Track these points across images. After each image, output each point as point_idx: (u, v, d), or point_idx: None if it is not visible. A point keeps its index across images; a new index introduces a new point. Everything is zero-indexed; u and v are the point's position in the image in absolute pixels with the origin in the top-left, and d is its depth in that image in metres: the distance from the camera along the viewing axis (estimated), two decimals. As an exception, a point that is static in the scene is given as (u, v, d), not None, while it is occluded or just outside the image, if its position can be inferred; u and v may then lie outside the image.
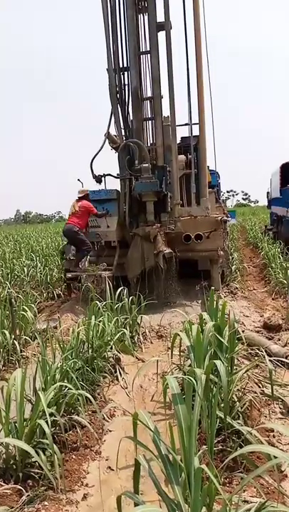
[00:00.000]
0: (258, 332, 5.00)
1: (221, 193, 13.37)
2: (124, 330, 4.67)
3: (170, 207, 7.33)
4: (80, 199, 7.30)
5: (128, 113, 7.71)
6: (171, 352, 3.67)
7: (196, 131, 7.75)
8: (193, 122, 7.74)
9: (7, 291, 6.58)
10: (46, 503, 2.30)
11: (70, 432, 2.92)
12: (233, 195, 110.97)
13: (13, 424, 2.64)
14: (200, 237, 7.16)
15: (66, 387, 3.03)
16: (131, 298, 5.58)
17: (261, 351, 3.49)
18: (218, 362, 2.68)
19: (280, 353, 4.02)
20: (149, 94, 7.82)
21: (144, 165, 6.92)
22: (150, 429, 1.99)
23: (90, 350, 3.90)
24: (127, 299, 5.53)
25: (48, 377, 3.09)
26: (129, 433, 2.20)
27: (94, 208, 7.18)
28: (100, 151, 7.66)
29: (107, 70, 7.51)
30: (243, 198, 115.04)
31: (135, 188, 6.91)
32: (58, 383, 2.99)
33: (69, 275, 7.12)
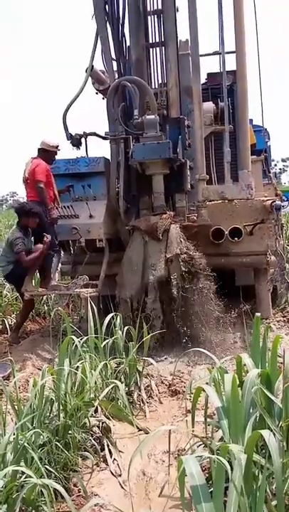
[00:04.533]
0: None
1: (272, 163, 13.41)
2: (117, 382, 4.64)
3: (190, 184, 7.34)
4: (37, 156, 7.34)
5: (123, 36, 7.78)
6: (192, 418, 3.66)
7: (231, 65, 7.77)
8: (227, 50, 7.78)
9: None
10: None
11: None
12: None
13: None
14: (238, 234, 7.17)
15: (23, 473, 3.01)
16: (126, 329, 5.57)
17: None
18: (266, 433, 2.66)
19: None
20: (157, 6, 7.87)
21: (148, 117, 6.98)
22: None
23: (61, 415, 3.88)
24: (120, 332, 5.51)
25: (-6, 458, 3.08)
26: None
27: (40, 175, 7.10)
28: (77, 96, 7.74)
29: None
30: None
31: (134, 154, 6.95)
32: (10, 467, 2.98)
33: (27, 295, 7.13)
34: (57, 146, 7.40)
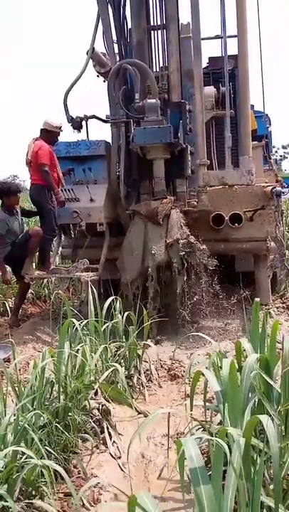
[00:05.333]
0: None
1: (273, 150, 13.34)
2: (117, 366, 4.67)
3: (191, 169, 7.32)
4: (39, 137, 7.25)
5: (124, 18, 7.72)
6: (191, 401, 3.67)
7: (233, 49, 7.72)
8: (229, 34, 7.71)
9: None
10: None
11: (30, 525, 2.95)
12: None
13: None
14: (238, 219, 7.17)
15: (23, 454, 3.03)
16: (127, 314, 5.59)
17: None
18: (264, 418, 2.68)
19: None
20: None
21: (149, 101, 6.93)
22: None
23: (61, 397, 3.91)
24: (120, 316, 5.54)
25: (-5, 439, 3.11)
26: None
27: (44, 158, 7.00)
28: (78, 78, 7.69)
29: None
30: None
31: (135, 138, 6.93)
32: (11, 448, 3.00)
33: (28, 278, 7.14)
34: (60, 127, 7.30)
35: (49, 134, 7.21)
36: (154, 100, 6.92)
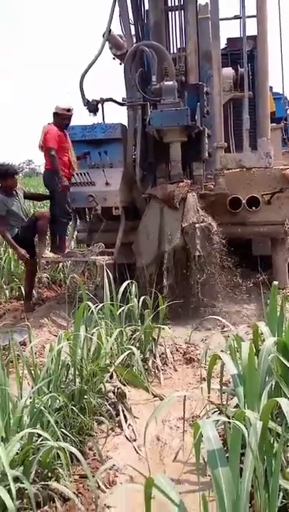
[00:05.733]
0: None
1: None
2: (133, 349, 4.68)
3: (208, 152, 7.25)
4: (52, 122, 7.18)
5: (141, -1, 7.62)
6: (208, 384, 3.67)
7: (252, 30, 7.62)
8: (248, 14, 7.61)
9: None
10: None
11: (46, 507, 2.96)
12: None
13: None
14: (256, 203, 7.11)
15: (39, 436, 3.04)
16: (143, 299, 5.58)
17: None
18: (283, 401, 2.65)
19: None
20: None
21: (166, 83, 6.87)
22: (174, 504, 1.99)
23: (77, 380, 3.92)
24: (136, 300, 5.53)
25: (11, 421, 3.11)
26: None
27: (51, 141, 6.91)
28: (95, 60, 7.64)
29: None
30: None
31: (151, 121, 6.87)
32: (27, 430, 3.01)
33: (43, 261, 7.15)
34: (68, 110, 7.14)
35: (59, 118, 7.11)
36: (171, 82, 6.86)
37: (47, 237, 7.62)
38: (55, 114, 7.13)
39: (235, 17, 8.64)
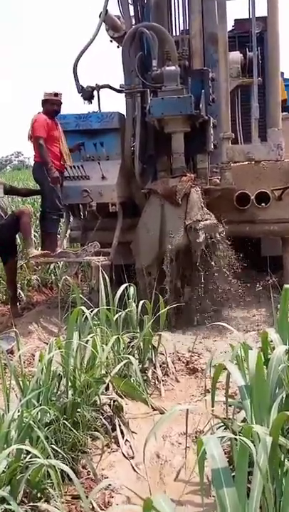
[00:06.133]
0: None
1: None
2: (131, 358, 4.66)
3: (213, 144, 7.25)
4: (42, 111, 7.21)
5: (141, -24, 7.64)
6: (213, 397, 3.66)
7: (261, 10, 7.62)
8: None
9: None
10: None
11: (35, 530, 2.95)
12: None
13: None
14: (265, 199, 7.12)
15: (28, 453, 3.03)
16: (142, 303, 5.58)
17: None
18: (294, 415, 2.65)
19: None
20: None
21: (168, 68, 6.87)
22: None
23: (69, 392, 3.91)
24: (135, 305, 5.52)
25: (-3, 436, 3.10)
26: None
27: (39, 129, 6.95)
28: (90, 44, 7.65)
29: None
30: None
31: (152, 110, 6.86)
32: (14, 446, 3.00)
33: (32, 262, 7.15)
34: (56, 94, 7.19)
35: (47, 104, 7.16)
36: (173, 67, 6.87)
37: (36, 235, 7.62)
38: (43, 101, 7.16)
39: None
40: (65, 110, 7.40)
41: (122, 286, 5.64)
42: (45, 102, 7.15)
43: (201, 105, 6.84)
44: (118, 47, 7.78)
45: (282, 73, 8.74)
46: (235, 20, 9.20)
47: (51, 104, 7.15)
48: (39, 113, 7.12)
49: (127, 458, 3.83)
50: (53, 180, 6.96)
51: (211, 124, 7.23)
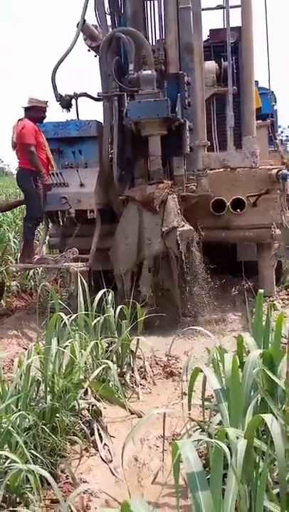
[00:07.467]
0: None
1: (279, 129, 13.34)
2: (109, 363, 4.66)
3: (190, 146, 7.28)
4: (24, 117, 7.16)
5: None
6: (189, 400, 3.66)
7: (236, 21, 7.69)
8: (231, 4, 7.67)
9: None
10: None
11: (14, 535, 2.94)
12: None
13: None
14: (241, 205, 7.14)
15: (7, 458, 3.02)
16: (120, 308, 5.58)
17: None
18: (268, 417, 2.66)
19: None
20: None
21: (144, 72, 6.89)
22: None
23: (48, 397, 3.88)
24: (113, 310, 5.52)
25: (-24, 442, 3.08)
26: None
27: (29, 137, 6.92)
28: (68, 53, 7.66)
29: None
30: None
31: (128, 113, 6.87)
32: (-7, 452, 2.98)
33: (12, 268, 7.12)
34: (46, 102, 7.22)
35: (36, 110, 7.14)
36: (149, 71, 6.89)
37: (16, 241, 7.58)
38: (32, 107, 7.09)
39: (219, 7, 8.69)
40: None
41: (101, 292, 5.63)
42: (34, 108, 7.10)
43: (177, 108, 6.85)
44: (95, 56, 7.76)
45: (257, 82, 8.79)
46: (210, 30, 9.23)
47: (38, 111, 7.13)
48: (22, 119, 7.07)
49: (105, 462, 3.82)
50: (46, 187, 6.94)
51: (187, 127, 7.24)
